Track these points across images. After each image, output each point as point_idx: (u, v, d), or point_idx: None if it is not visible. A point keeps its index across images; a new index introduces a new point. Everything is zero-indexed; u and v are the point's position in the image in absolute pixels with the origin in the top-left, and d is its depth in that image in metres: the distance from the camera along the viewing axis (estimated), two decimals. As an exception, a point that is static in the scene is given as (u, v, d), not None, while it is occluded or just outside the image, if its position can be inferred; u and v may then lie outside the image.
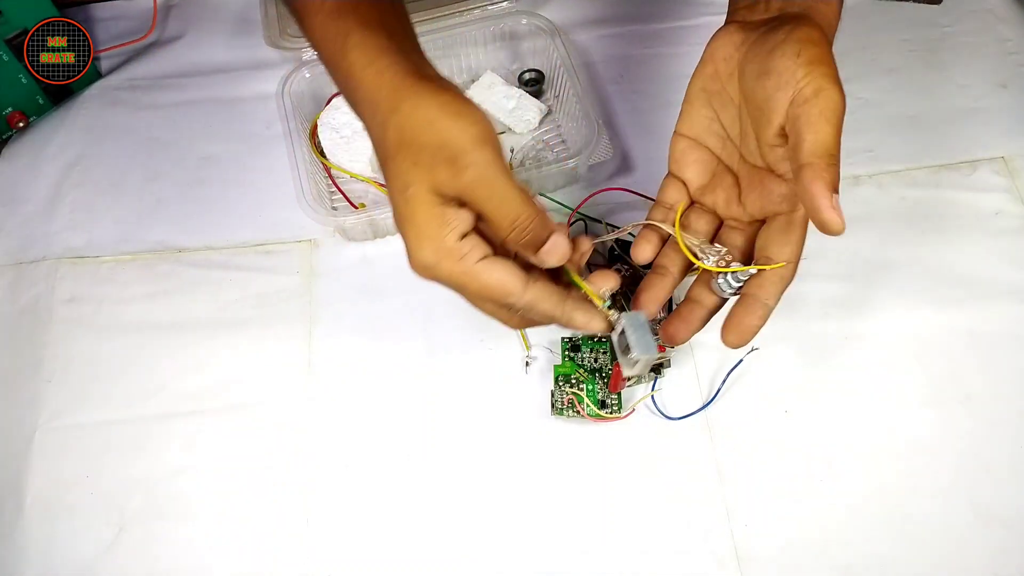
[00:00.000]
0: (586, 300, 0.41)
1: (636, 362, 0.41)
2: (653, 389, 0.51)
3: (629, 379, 0.50)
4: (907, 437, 0.49)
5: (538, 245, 0.37)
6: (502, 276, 0.37)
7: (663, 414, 0.50)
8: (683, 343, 0.43)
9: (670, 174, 0.44)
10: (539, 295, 0.38)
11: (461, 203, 0.36)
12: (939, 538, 0.47)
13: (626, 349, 0.41)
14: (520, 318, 0.40)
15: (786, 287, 0.39)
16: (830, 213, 0.34)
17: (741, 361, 0.51)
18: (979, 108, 0.61)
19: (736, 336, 0.39)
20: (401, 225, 0.36)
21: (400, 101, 0.35)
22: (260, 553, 0.48)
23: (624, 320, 0.41)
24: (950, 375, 0.51)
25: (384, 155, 0.36)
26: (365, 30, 0.37)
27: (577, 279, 0.41)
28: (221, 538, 0.49)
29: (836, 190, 0.35)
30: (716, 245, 0.42)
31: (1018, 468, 0.48)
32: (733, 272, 0.40)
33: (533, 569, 0.47)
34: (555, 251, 0.38)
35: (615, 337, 0.42)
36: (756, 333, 0.39)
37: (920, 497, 0.48)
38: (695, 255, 0.41)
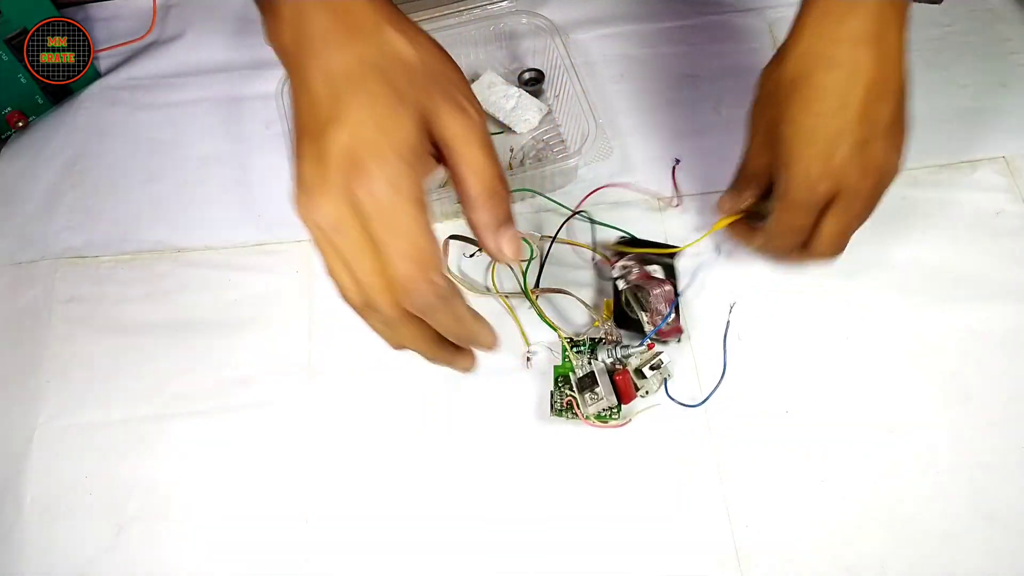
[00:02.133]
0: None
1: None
2: (665, 386, 0.51)
3: (638, 390, 0.50)
4: (907, 437, 0.49)
5: (499, 223, 0.35)
6: (437, 251, 0.33)
7: (673, 399, 0.50)
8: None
9: None
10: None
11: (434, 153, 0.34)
12: (939, 538, 0.47)
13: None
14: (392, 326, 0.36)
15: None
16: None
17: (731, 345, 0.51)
18: (980, 108, 0.61)
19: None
20: (370, 130, 0.32)
21: (406, 24, 0.34)
22: (260, 553, 0.48)
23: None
24: (950, 375, 0.51)
25: (368, 66, 0.33)
26: None
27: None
28: (221, 538, 0.49)
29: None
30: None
31: (1018, 468, 0.48)
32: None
33: (532, 569, 0.47)
34: (514, 242, 0.35)
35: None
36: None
37: (920, 497, 0.48)
38: None
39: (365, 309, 0.35)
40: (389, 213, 0.32)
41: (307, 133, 0.33)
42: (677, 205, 0.58)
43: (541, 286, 0.54)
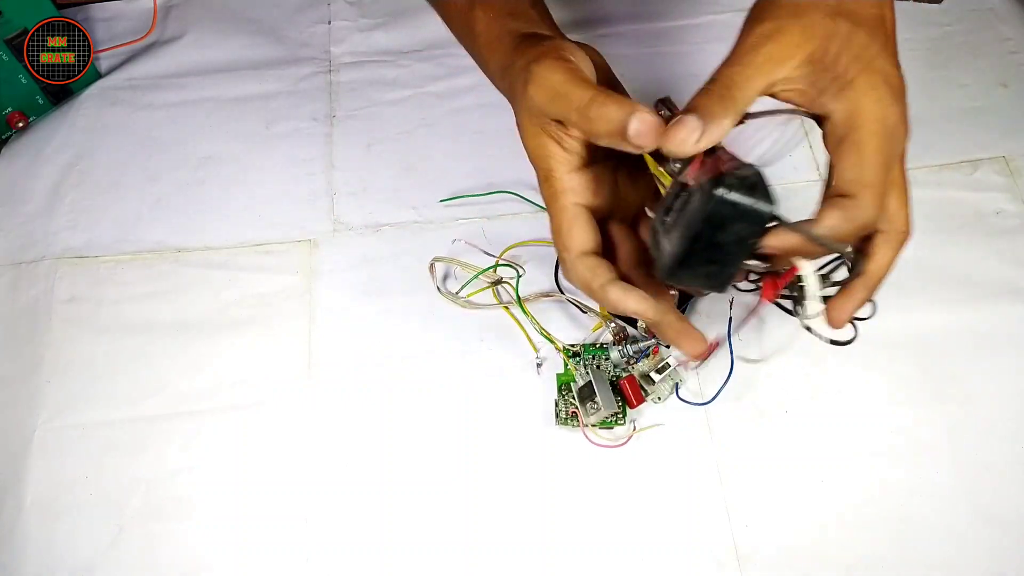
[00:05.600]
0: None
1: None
2: (676, 390, 0.51)
3: (648, 395, 0.50)
4: (907, 437, 0.49)
5: (616, 127, 0.34)
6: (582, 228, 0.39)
7: (681, 398, 0.51)
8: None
9: None
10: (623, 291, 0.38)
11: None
12: (939, 538, 0.47)
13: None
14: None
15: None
16: None
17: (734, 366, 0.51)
18: (980, 107, 0.61)
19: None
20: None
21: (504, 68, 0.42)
22: (260, 553, 0.48)
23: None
24: (950, 375, 0.51)
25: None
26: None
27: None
28: (221, 538, 0.49)
29: None
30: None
31: (1018, 468, 0.48)
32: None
33: (533, 569, 0.47)
34: (643, 130, 0.34)
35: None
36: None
37: (920, 497, 0.48)
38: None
39: None
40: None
41: None
42: None
43: (539, 291, 0.54)
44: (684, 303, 0.52)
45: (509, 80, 0.40)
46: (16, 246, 0.59)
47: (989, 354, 0.52)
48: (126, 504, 0.50)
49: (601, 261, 0.39)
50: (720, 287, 0.36)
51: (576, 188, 0.39)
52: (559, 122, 0.37)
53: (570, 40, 0.42)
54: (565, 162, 0.38)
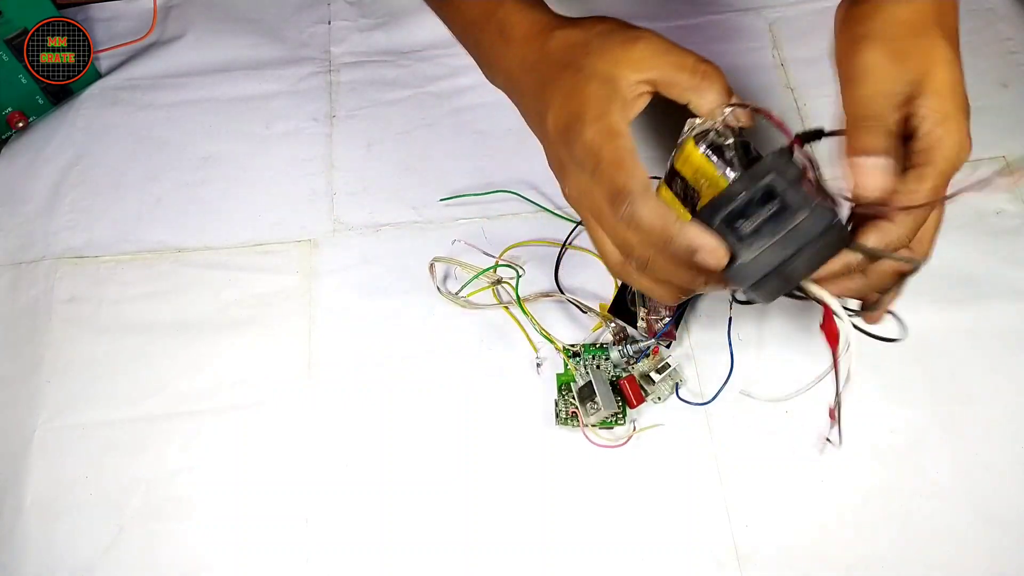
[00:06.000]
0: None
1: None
2: (676, 390, 0.51)
3: (648, 395, 0.50)
4: (907, 437, 0.49)
5: (719, 77, 0.39)
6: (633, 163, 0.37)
7: (681, 398, 0.51)
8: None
9: None
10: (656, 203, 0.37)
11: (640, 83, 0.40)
12: (939, 538, 0.47)
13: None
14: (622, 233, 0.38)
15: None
16: None
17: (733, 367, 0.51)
18: (980, 107, 0.60)
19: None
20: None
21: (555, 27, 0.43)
22: (260, 553, 0.48)
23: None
24: (950, 375, 0.51)
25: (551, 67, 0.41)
26: None
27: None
28: (221, 538, 0.49)
29: None
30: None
31: (1018, 468, 0.48)
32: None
33: (533, 569, 0.47)
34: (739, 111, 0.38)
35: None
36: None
37: (920, 497, 0.48)
38: None
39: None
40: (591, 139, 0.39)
41: None
42: None
43: (539, 291, 0.54)
44: (684, 303, 0.52)
45: (576, 35, 0.42)
46: (16, 246, 0.59)
47: (989, 354, 0.52)
48: (126, 504, 0.50)
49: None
50: (771, 300, 0.37)
51: (627, 135, 0.38)
52: (643, 83, 0.40)
53: None
54: (621, 111, 0.39)
